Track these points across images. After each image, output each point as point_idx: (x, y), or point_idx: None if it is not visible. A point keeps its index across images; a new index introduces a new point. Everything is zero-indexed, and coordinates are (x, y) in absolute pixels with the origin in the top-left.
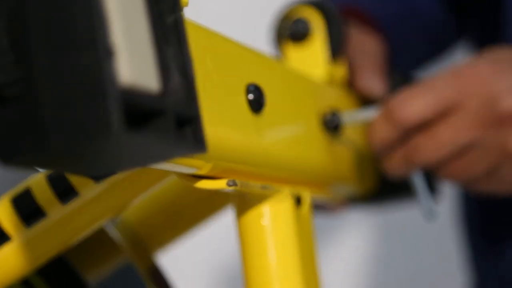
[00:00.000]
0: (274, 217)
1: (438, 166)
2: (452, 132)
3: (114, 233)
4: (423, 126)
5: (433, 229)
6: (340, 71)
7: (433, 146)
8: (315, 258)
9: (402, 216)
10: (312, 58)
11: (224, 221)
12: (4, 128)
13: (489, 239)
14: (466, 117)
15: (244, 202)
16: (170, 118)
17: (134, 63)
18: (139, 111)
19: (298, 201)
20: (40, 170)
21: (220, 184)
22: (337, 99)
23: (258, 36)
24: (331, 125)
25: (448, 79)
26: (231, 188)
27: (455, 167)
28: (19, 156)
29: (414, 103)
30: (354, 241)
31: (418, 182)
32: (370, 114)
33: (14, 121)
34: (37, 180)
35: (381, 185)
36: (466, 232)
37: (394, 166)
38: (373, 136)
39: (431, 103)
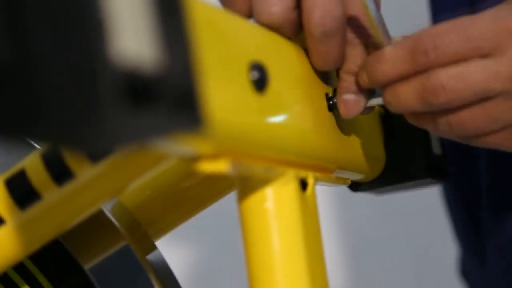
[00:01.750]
0: (278, 200)
1: (453, 110)
2: (485, 76)
3: (111, 216)
4: (452, 63)
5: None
6: None
7: (458, 87)
8: (321, 243)
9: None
10: None
11: (225, 206)
12: (1, 102)
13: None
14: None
15: (247, 185)
16: (170, 93)
17: (132, 37)
18: (137, 86)
19: (303, 184)
20: (36, 145)
21: (222, 166)
22: None
23: None
24: (337, 106)
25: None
26: (233, 171)
27: (472, 114)
28: (16, 128)
29: (450, 38)
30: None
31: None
32: (379, 101)
33: (9, 95)
34: (31, 161)
35: (385, 171)
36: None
37: (403, 101)
38: (381, 66)
39: (469, 42)
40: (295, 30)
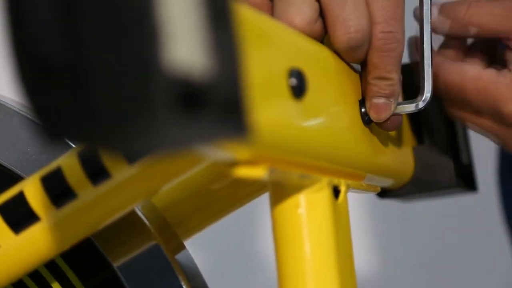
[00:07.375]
0: (311, 207)
1: None
2: None
3: (141, 215)
4: None
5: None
6: None
7: None
8: (351, 251)
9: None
10: None
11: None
12: (51, 100)
13: None
14: None
15: (280, 191)
16: (218, 100)
17: (184, 44)
18: (188, 92)
19: (335, 192)
20: (74, 145)
21: (259, 172)
22: None
23: None
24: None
25: None
26: (269, 177)
27: None
28: (64, 127)
29: None
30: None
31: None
32: (411, 107)
33: (61, 94)
34: (68, 160)
35: (413, 178)
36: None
37: None
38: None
39: None
40: (318, 38)
